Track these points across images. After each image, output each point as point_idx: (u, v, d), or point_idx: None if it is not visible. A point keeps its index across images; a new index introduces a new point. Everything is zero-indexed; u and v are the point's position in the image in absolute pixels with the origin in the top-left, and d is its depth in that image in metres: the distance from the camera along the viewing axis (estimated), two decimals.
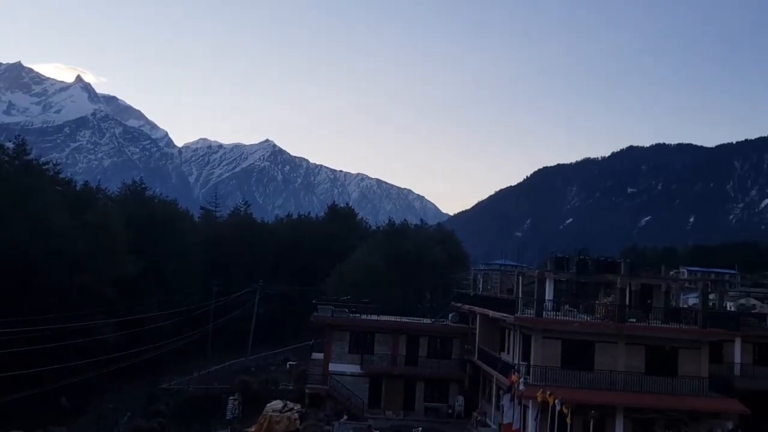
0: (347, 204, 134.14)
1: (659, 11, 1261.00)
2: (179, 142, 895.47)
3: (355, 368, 47.97)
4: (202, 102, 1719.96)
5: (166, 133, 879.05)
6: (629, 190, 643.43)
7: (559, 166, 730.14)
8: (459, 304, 55.60)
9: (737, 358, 40.80)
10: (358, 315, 51.96)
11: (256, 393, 53.43)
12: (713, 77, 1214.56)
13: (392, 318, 52.19)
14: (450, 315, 53.07)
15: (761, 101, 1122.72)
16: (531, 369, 35.88)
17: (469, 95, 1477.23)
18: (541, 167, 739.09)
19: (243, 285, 77.54)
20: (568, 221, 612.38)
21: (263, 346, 78.26)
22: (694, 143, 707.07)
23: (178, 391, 60.38)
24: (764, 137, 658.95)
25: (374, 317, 52.09)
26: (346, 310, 52.36)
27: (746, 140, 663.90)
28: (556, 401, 30.21)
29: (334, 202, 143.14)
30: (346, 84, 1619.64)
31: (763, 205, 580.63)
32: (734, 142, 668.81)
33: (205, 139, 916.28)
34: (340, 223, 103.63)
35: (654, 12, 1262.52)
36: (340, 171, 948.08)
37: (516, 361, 39.03)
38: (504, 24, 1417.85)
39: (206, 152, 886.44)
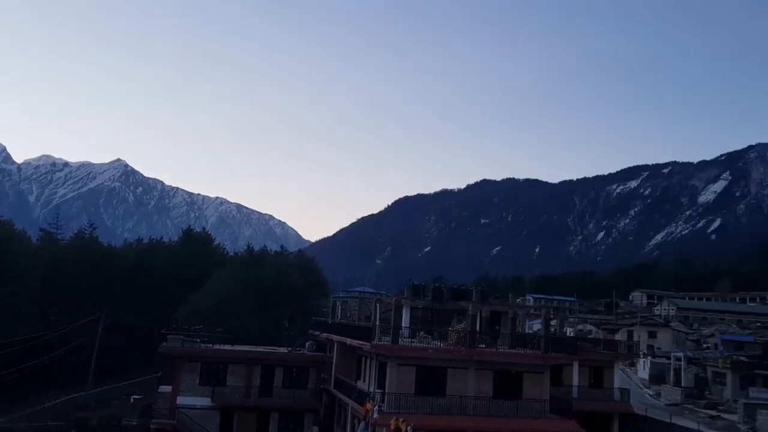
0: (204, 229, 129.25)
1: (498, 57, 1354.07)
2: (18, 158, 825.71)
3: (205, 401, 45.73)
4: (46, 115, 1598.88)
5: (4, 147, 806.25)
6: (482, 220, 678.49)
7: (419, 196, 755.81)
8: (317, 332, 55.05)
9: (575, 381, 43.53)
10: (210, 345, 49.82)
11: (95, 430, 49.38)
12: (559, 118, 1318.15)
13: (247, 347, 50.54)
14: (307, 343, 52.32)
15: (597, 142, 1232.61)
16: (386, 396, 35.99)
17: (334, 123, 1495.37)
18: (402, 196, 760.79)
19: (86, 313, 71.93)
20: (427, 249, 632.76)
21: (107, 380, 72.75)
22: (540, 179, 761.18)
23: (7, 430, 54.57)
24: (600, 175, 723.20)
25: (228, 347, 50.17)
26: (198, 340, 50.04)
27: (585, 178, 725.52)
28: (409, 428, 30.42)
29: (190, 226, 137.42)
30: (207, 103, 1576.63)
31: (599, 237, 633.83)
32: (575, 179, 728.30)
33: (48, 156, 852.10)
34: (195, 249, 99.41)
35: (497, 58, 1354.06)
36: (198, 194, 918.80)
37: (372, 389, 39.04)
38: (369, 56, 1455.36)
39: (49, 170, 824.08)
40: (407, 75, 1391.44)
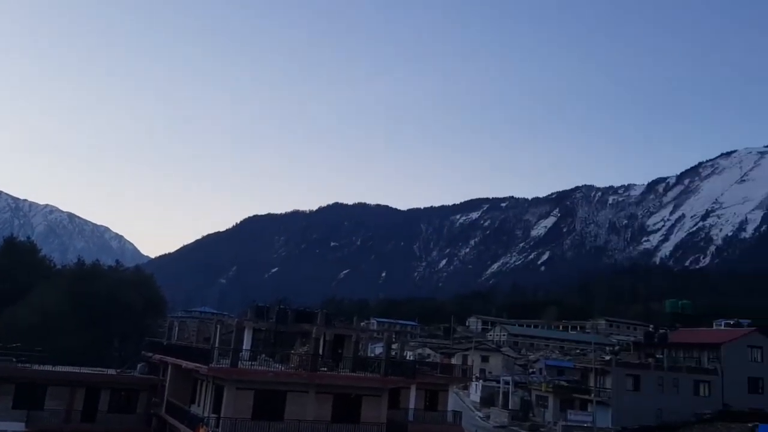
0: (29, 238, 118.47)
1: (351, 85, 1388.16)
2: None
3: (19, 426, 41.49)
4: None
5: None
6: (332, 243, 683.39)
7: (269, 215, 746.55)
8: (150, 354, 52.07)
9: (412, 404, 44.66)
10: (28, 365, 45.37)
11: None
12: (409, 149, 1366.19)
13: (69, 368, 46.60)
14: (139, 365, 49.29)
15: (445, 173, 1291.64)
16: (221, 421, 34.72)
17: (182, 135, 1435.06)
18: (251, 215, 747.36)
19: None
20: (274, 270, 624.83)
21: None
22: (390, 205, 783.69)
23: None
24: (446, 206, 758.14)
25: (48, 367, 45.96)
26: (14, 359, 45.42)
27: (432, 207, 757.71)
28: None
29: (13, 234, 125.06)
30: (39, 101, 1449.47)
31: (441, 264, 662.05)
32: (422, 208, 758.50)
33: None
34: (16, 259, 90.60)
35: (346, 87, 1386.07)
36: (25, 200, 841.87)
37: (206, 414, 37.52)
38: (226, 66, 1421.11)
39: None
40: (262, 89, 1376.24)
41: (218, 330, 43.38)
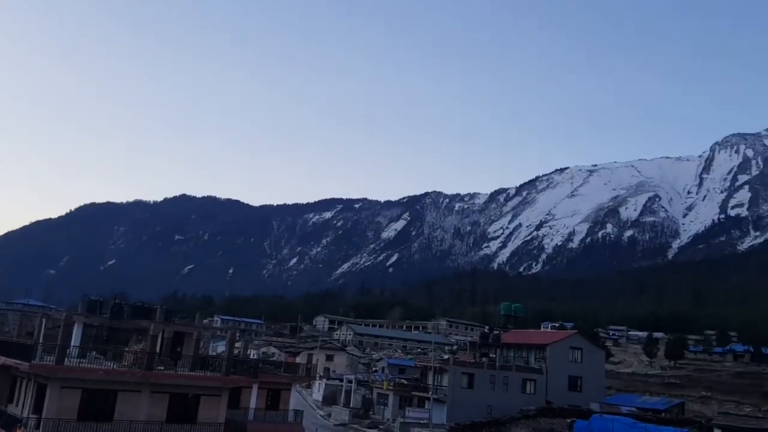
0: None
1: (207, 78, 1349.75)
2: None
3: None
4: None
5: None
6: (177, 236, 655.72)
7: (108, 204, 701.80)
8: None
9: (252, 404, 43.87)
10: None
11: None
12: (260, 143, 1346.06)
13: None
14: None
15: (300, 171, 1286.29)
16: (42, 422, 31.97)
17: (20, 110, 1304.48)
18: (88, 203, 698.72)
19: None
20: (111, 262, 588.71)
21: None
22: (241, 200, 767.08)
23: None
24: (299, 204, 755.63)
25: None
26: None
27: (285, 204, 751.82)
28: None
29: None
30: None
31: (292, 263, 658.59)
32: (275, 204, 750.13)
33: None
34: None
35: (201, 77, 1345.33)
36: None
37: (25, 414, 34.39)
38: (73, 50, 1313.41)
39: None
40: (109, 65, 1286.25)
41: (44, 324, 40.02)
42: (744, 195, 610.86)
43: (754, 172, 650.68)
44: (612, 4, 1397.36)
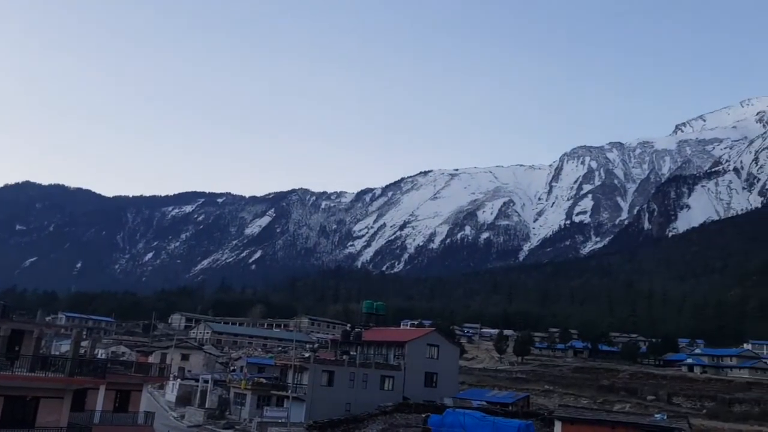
0: None
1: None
2: None
3: None
4: None
5: None
6: (18, 226, 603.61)
7: None
8: None
9: (99, 406, 41.24)
10: None
11: None
12: (117, 130, 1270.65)
13: None
14: None
15: (157, 164, 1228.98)
16: None
17: None
18: None
19: None
20: None
21: None
22: (93, 190, 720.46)
23: None
24: (158, 196, 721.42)
25: None
26: None
27: (142, 196, 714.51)
28: None
29: None
30: None
31: (147, 257, 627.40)
32: (130, 196, 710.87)
33: None
34: None
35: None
36: None
37: None
38: None
39: None
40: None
41: None
42: (587, 203, 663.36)
43: (597, 182, 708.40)
44: (477, 22, 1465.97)
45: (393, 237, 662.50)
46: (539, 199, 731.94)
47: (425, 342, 76.84)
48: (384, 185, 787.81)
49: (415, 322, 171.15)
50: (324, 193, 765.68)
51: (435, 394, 70.00)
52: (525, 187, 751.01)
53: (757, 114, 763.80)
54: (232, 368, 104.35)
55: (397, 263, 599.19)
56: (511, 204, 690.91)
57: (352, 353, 74.11)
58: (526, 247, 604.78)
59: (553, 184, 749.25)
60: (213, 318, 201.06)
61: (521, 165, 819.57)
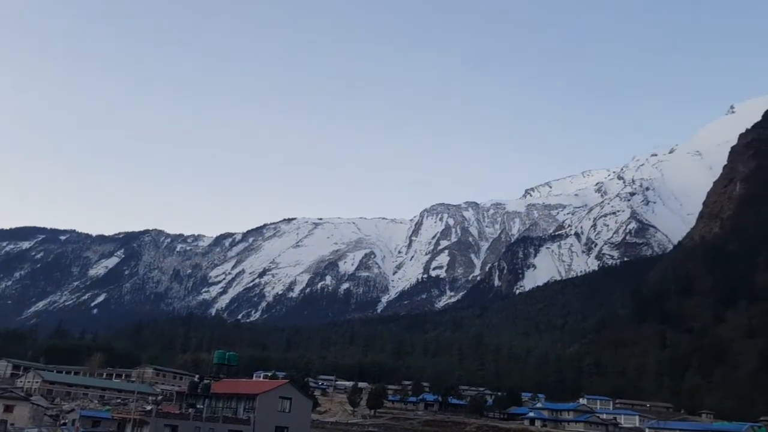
0: None
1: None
2: None
3: None
4: None
5: None
6: None
7: None
8: None
9: None
10: None
11: None
12: None
13: None
14: None
15: None
16: None
17: None
18: None
19: None
20: None
21: None
22: None
23: None
24: None
25: None
26: None
27: None
28: None
29: None
30: None
31: None
32: None
33: None
34: None
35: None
36: None
37: None
38: None
39: None
40: None
41: None
42: (444, 258, 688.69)
43: (453, 238, 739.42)
44: (353, 76, 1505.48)
45: (251, 284, 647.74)
46: (399, 252, 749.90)
47: (277, 395, 74.45)
48: (245, 230, 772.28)
49: (269, 374, 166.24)
50: (180, 235, 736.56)
51: None
52: (386, 239, 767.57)
53: (596, 184, 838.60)
54: (62, 422, 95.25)
55: (254, 311, 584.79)
56: (372, 256, 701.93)
57: (198, 406, 70.16)
58: (385, 299, 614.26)
59: (413, 238, 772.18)
60: (45, 366, 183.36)
61: (384, 218, 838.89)
